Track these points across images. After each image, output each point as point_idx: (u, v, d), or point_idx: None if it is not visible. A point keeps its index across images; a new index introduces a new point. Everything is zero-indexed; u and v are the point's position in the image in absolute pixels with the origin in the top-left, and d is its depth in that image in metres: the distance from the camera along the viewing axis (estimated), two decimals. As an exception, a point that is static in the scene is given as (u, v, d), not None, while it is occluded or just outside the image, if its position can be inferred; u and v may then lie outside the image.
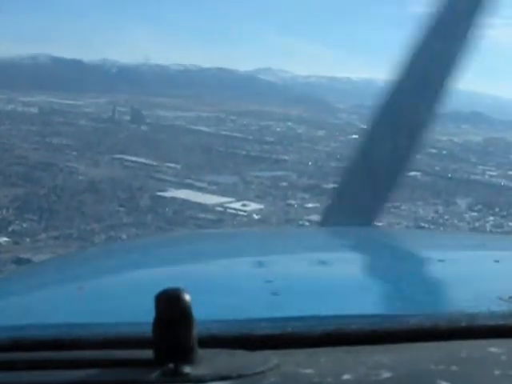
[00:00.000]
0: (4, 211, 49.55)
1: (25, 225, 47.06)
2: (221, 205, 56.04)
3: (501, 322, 1.39)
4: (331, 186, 66.93)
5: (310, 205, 59.06)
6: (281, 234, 3.66)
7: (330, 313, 1.49)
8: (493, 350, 1.27)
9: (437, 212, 59.74)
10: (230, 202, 56.96)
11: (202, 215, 50.96)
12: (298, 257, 2.27)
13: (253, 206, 56.62)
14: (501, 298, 1.60)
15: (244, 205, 56.28)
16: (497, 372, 1.19)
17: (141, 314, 1.27)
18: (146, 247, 2.69)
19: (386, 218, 56.99)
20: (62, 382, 1.18)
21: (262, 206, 57.25)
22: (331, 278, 1.99)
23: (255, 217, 53.17)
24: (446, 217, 58.26)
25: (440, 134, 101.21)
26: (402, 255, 2.45)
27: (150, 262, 2.30)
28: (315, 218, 54.10)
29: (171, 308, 1.15)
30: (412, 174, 73.70)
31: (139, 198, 56.94)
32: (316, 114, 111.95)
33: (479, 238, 3.90)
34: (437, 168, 77.40)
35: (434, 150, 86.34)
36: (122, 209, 53.02)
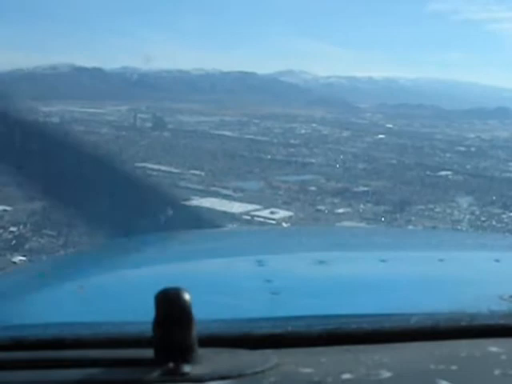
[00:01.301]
0: (21, 227, 46.61)
1: (42, 241, 44.12)
2: (247, 213, 52.76)
3: (501, 322, 1.38)
4: (361, 189, 64.66)
5: (340, 210, 55.88)
6: (280, 233, 3.51)
7: (330, 312, 1.49)
8: (493, 349, 1.26)
9: (473, 213, 56.30)
10: (258, 210, 53.69)
11: (228, 225, 47.77)
12: (298, 256, 2.21)
13: (281, 213, 53.32)
14: (501, 298, 1.58)
15: (272, 212, 52.95)
16: (497, 371, 1.18)
17: (141, 314, 1.26)
18: (146, 246, 2.62)
19: (421, 221, 53.89)
20: (63, 381, 1.18)
21: (291, 213, 53.99)
22: (331, 277, 1.96)
23: (284, 225, 49.93)
24: (482, 218, 54.81)
25: (467, 131, 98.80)
26: (402, 254, 2.32)
27: (150, 261, 2.25)
28: (347, 224, 50.98)
29: (171, 307, 1.15)
30: (443, 173, 70.87)
31: (162, 209, 54.05)
32: (340, 114, 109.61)
33: (479, 237, 3.67)
34: (467, 166, 74.26)
35: (462, 148, 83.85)
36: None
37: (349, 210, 56.45)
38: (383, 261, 2.04)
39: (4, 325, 1.49)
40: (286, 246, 2.49)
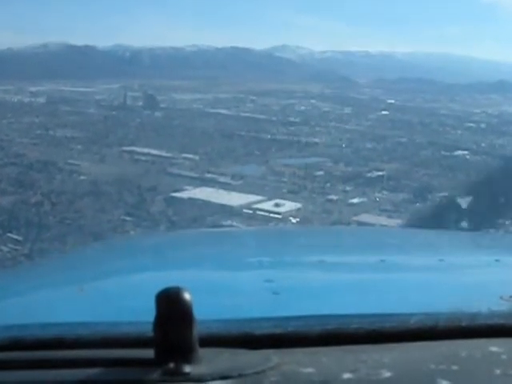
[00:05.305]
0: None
1: (5, 248, 34.91)
2: (249, 205, 43.62)
3: (501, 322, 1.36)
4: (375, 174, 55.55)
5: (355, 200, 46.73)
6: (281, 232, 3.46)
7: (331, 312, 1.48)
8: (493, 349, 1.24)
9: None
10: (260, 202, 44.52)
11: (227, 221, 38.33)
12: (299, 256, 2.25)
13: (288, 205, 44.04)
14: (501, 298, 1.57)
15: (277, 205, 43.63)
16: (497, 371, 1.16)
17: (142, 314, 1.23)
18: (147, 246, 2.63)
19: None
20: (62, 381, 1.17)
21: (299, 205, 44.73)
22: (331, 277, 1.98)
23: (293, 220, 40.50)
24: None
25: (472, 106, 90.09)
26: (403, 254, 2.30)
27: (151, 261, 2.26)
28: (365, 218, 41.79)
29: (172, 307, 1.12)
30: (459, 153, 61.91)
31: (150, 203, 44.78)
32: (338, 89, 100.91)
33: (479, 236, 3.56)
34: (483, 144, 65.40)
35: (472, 124, 75.27)
36: (128, 218, 40.63)
37: (364, 199, 47.33)
38: (383, 261, 1.99)
39: (4, 324, 1.42)
40: (287, 246, 2.41)
